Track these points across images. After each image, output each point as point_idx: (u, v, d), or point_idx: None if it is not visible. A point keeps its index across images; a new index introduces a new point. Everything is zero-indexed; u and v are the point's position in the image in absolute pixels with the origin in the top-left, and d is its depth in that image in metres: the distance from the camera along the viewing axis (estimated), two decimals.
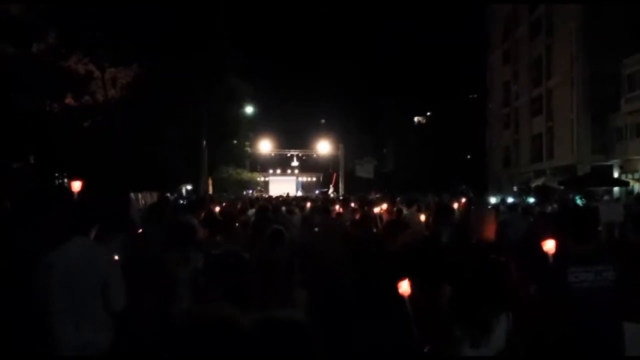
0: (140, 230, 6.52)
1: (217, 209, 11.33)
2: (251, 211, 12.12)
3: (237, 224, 8.85)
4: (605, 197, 21.46)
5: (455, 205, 12.49)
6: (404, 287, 3.35)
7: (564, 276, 3.34)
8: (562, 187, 26.89)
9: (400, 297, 3.34)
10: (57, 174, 17.66)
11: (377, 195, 26.50)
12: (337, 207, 13.04)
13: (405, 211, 11.13)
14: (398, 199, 18.79)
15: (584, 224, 3.59)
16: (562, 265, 3.44)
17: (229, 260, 2.70)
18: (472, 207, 8.81)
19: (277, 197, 25.13)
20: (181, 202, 16.81)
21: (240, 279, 2.55)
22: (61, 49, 17.31)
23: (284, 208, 12.98)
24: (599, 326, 3.26)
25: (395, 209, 11.09)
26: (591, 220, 3.68)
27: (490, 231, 4.18)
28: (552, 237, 3.89)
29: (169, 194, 20.20)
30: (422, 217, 9.25)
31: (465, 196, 22.81)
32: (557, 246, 3.70)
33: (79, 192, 5.52)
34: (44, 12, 16.53)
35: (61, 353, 3.64)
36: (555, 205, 16.62)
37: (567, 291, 3.32)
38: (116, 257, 4.04)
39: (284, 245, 5.89)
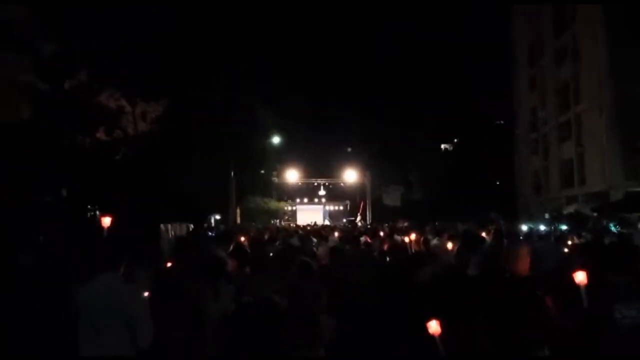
0: (170, 263, 6.56)
1: (243, 238, 11.33)
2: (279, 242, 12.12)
3: (270, 253, 8.84)
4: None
5: (484, 234, 12.29)
6: (434, 327, 3.25)
7: (610, 313, 3.21)
8: (595, 214, 26.26)
9: (431, 337, 3.24)
10: (89, 207, 17.98)
11: (405, 224, 26.31)
12: (365, 237, 12.95)
13: (435, 240, 10.98)
14: (427, 227, 18.59)
15: (624, 255, 3.46)
16: (607, 301, 3.31)
17: (261, 308, 2.65)
18: (505, 240, 8.60)
19: (305, 227, 25.14)
20: (210, 233, 16.91)
21: (272, 326, 2.50)
22: (93, 85, 17.83)
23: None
24: None
25: (422, 238, 10.95)
26: (631, 251, 3.55)
27: (524, 265, 4.07)
28: (584, 268, 3.76)
29: (194, 224, 20.38)
30: (450, 246, 9.10)
31: (496, 223, 22.45)
32: (598, 279, 3.57)
33: (109, 227, 5.59)
34: (75, 49, 17.10)
35: None
36: (585, 234, 16.16)
37: (612, 328, 3.19)
38: (145, 293, 4.03)
39: (312, 277, 5.83)
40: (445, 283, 4.61)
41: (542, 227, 20.61)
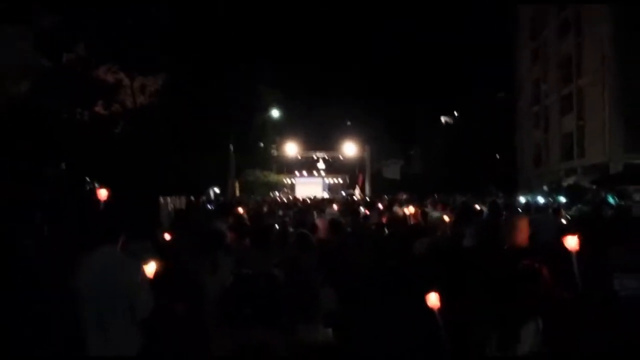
0: (169, 236, 6.58)
1: (241, 210, 11.35)
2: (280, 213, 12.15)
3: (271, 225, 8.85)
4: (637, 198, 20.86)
5: (477, 206, 12.30)
6: (433, 300, 3.26)
7: (608, 283, 3.22)
8: (594, 186, 26.31)
9: (429, 309, 3.25)
10: (88, 179, 18.00)
11: (405, 197, 26.35)
12: (362, 209, 12.94)
13: (436, 213, 10.96)
14: (429, 200, 18.60)
15: (624, 226, 3.46)
16: (606, 271, 3.31)
17: (260, 281, 2.64)
18: (504, 213, 8.59)
19: (304, 200, 25.18)
20: (209, 206, 16.94)
21: (271, 300, 2.50)
22: (91, 59, 17.71)
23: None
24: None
25: (420, 211, 10.93)
26: (630, 222, 3.55)
27: (523, 237, 4.08)
28: (577, 234, 3.75)
29: (193, 197, 20.38)
30: (447, 218, 9.09)
31: (494, 197, 22.50)
32: (597, 250, 3.58)
33: (106, 200, 5.57)
34: (73, 24, 16.94)
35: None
36: (581, 205, 16.17)
37: (611, 299, 3.20)
38: (145, 266, 4.03)
39: (311, 249, 5.84)
40: (441, 255, 4.63)
41: (541, 200, 20.63)
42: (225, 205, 11.68)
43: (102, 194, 5.59)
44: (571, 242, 3.71)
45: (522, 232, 4.09)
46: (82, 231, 4.88)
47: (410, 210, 10.81)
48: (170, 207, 16.08)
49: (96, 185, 16.42)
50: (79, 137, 16.00)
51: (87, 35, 17.53)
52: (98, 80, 18.26)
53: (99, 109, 18.52)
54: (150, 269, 4.07)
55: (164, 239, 6.31)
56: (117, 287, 3.71)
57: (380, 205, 14.83)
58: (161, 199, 15.73)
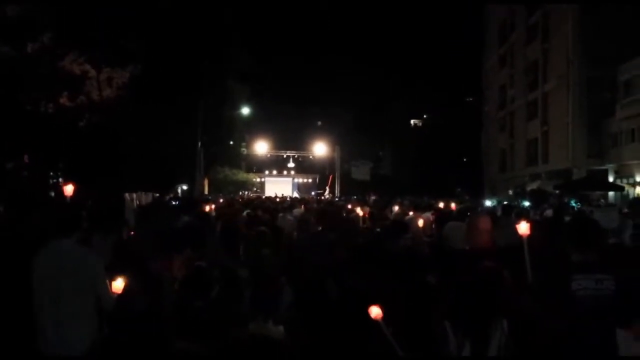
0: (133, 232, 6.45)
1: (208, 208, 11.20)
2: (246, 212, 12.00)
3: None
4: (602, 201, 21.48)
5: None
6: (375, 312, 3.16)
7: (567, 284, 3.28)
8: (557, 191, 26.90)
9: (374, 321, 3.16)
10: (51, 173, 17.57)
11: (373, 197, 26.54)
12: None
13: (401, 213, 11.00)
14: (399, 201, 18.67)
15: (588, 232, 3.53)
16: (565, 273, 3.37)
17: (213, 273, 2.62)
18: (468, 214, 8.76)
19: (273, 198, 25.06)
20: (174, 203, 16.70)
21: (225, 293, 2.48)
22: (56, 49, 17.22)
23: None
24: (597, 335, 3.20)
25: (368, 211, 10.92)
26: (594, 228, 3.62)
27: (484, 238, 4.13)
28: (543, 241, 3.81)
29: (160, 194, 20.09)
30: (421, 223, 9.09)
31: (458, 199, 22.81)
32: (557, 252, 3.64)
33: (71, 196, 5.43)
34: (39, 12, 16.46)
35: (44, 352, 3.65)
36: (547, 210, 16.56)
37: (570, 299, 3.26)
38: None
39: (271, 246, 5.79)
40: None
41: (505, 203, 21.05)
42: (190, 199, 11.52)
43: (68, 189, 5.46)
44: (523, 227, 3.80)
45: (484, 234, 4.14)
46: (36, 225, 4.76)
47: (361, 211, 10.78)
48: (136, 203, 15.82)
49: (60, 179, 16.05)
50: (42, 129, 15.57)
51: (53, 25, 17.06)
52: (63, 71, 17.77)
53: (64, 100, 18.04)
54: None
55: (128, 235, 6.18)
56: (69, 278, 3.66)
57: (349, 206, 14.84)
58: (127, 196, 15.45)
